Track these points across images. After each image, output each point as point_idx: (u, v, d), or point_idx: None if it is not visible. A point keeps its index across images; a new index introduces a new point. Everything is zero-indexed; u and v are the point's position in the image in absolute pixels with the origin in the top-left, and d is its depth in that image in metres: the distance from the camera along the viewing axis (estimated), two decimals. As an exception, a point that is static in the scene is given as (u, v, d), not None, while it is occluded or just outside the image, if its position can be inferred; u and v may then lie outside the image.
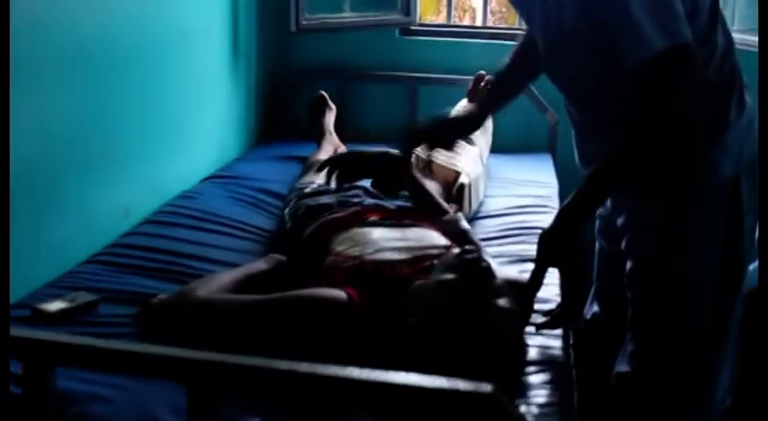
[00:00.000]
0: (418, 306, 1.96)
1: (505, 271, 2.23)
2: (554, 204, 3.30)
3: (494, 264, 2.15)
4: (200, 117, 3.67)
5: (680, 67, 1.78)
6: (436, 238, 2.38)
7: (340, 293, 2.04)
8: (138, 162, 3.12)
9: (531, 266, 2.07)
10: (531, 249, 2.71)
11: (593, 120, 2.11)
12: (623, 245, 2.16)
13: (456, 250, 2.07)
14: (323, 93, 3.98)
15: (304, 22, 3.95)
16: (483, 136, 3.59)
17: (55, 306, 2.30)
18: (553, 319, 2.13)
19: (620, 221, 2.17)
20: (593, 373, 2.43)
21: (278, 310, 2.04)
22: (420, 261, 2.18)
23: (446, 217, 2.56)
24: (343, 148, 3.84)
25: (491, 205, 3.32)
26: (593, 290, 2.55)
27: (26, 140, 2.45)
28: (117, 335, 2.19)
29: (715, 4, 1.96)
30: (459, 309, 1.89)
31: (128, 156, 3.05)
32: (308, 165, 3.44)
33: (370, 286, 2.09)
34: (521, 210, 3.25)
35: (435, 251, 2.24)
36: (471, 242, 2.44)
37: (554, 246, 2.00)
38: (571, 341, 2.48)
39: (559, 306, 2.11)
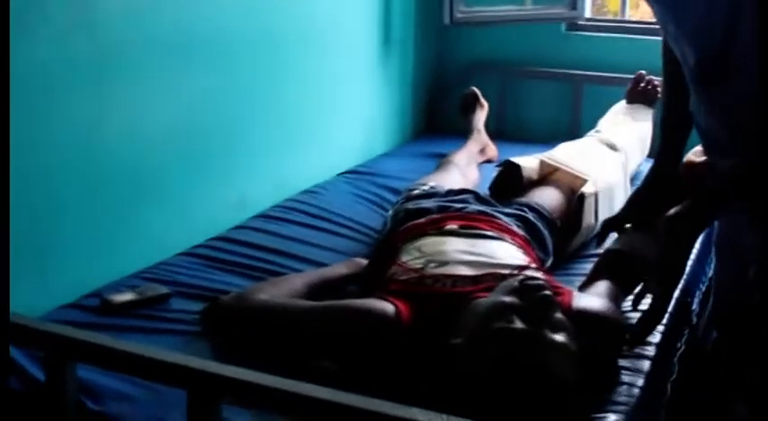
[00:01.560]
0: (465, 326, 1.81)
1: (583, 299, 2.00)
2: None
3: (578, 294, 2.00)
4: (342, 110, 3.59)
5: None
6: (512, 256, 2.19)
7: (388, 307, 1.93)
8: (258, 154, 3.07)
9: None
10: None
11: (738, 140, 1.80)
12: (751, 273, 1.88)
13: (521, 274, 1.89)
14: (474, 89, 3.81)
15: (459, 15, 3.79)
16: (636, 140, 3.32)
17: (123, 297, 2.29)
18: (641, 327, 1.91)
19: (749, 241, 1.88)
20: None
21: (324, 320, 1.98)
22: (486, 279, 2.00)
23: None
24: (492, 147, 3.68)
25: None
26: (708, 309, 2.28)
27: (131, 130, 2.48)
28: (176, 331, 2.16)
29: None
30: (508, 335, 1.71)
31: (248, 149, 3.02)
32: (440, 164, 3.29)
33: (426, 301, 1.96)
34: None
35: (506, 271, 2.06)
36: None
37: (683, 229, 1.78)
38: (673, 375, 2.24)
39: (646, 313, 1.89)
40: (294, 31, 3.19)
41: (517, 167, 2.83)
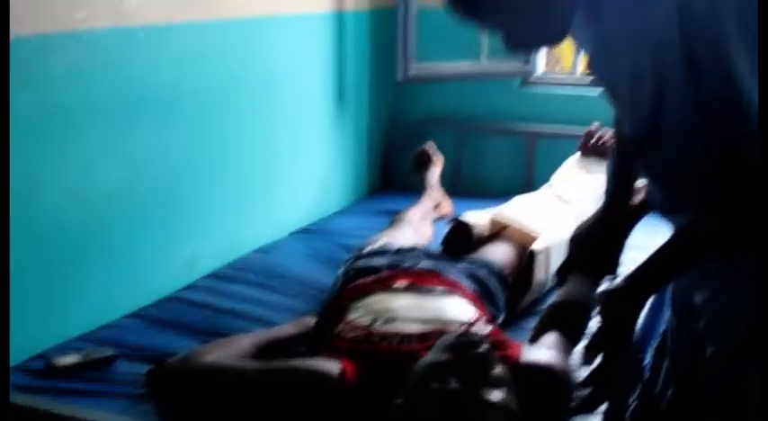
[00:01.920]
0: (406, 386, 1.79)
1: (533, 352, 1.99)
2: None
3: (527, 348, 1.99)
4: (296, 168, 3.57)
5: None
6: (462, 311, 2.18)
7: (333, 367, 1.92)
8: (210, 213, 3.05)
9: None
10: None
11: (682, 201, 1.79)
12: (701, 326, 1.88)
13: (460, 330, 1.87)
14: (428, 145, 3.81)
15: (413, 72, 3.80)
16: (589, 194, 3.32)
17: (68, 360, 2.27)
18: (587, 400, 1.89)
19: (698, 298, 1.88)
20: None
21: (268, 381, 1.96)
22: (433, 336, 1.98)
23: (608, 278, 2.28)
24: (447, 203, 3.67)
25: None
26: (665, 367, 2.26)
27: (77, 189, 2.46)
28: (121, 394, 2.13)
29: None
30: (444, 396, 1.69)
31: (199, 207, 2.98)
32: (393, 221, 3.28)
33: (372, 359, 1.96)
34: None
35: (454, 326, 2.04)
36: None
37: (616, 307, 1.76)
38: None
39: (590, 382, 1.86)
40: (247, 88, 3.18)
41: (468, 227, 2.82)
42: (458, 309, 2.19)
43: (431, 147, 3.80)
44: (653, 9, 1.52)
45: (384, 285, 2.31)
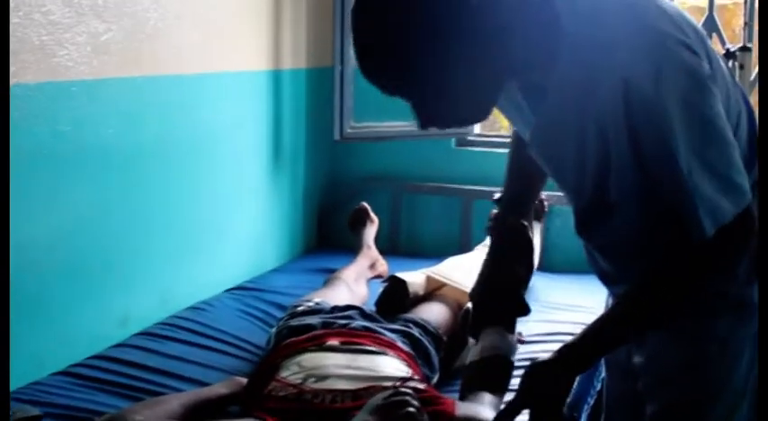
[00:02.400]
0: None
1: (467, 407, 1.97)
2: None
3: (459, 404, 1.96)
4: (231, 225, 3.55)
5: (747, 230, 1.56)
6: (396, 368, 2.17)
7: None
8: (144, 270, 3.01)
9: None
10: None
11: (626, 271, 1.81)
12: (640, 385, 1.88)
13: (389, 390, 1.86)
14: (364, 204, 3.81)
15: (349, 130, 3.82)
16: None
17: (-10, 420, 2.17)
18: None
19: (637, 359, 1.88)
20: None
21: None
22: (366, 393, 1.98)
23: (509, 336, 2.24)
24: (382, 262, 3.66)
25: (521, 330, 3.04)
26: None
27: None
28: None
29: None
30: None
31: (132, 264, 2.95)
32: (328, 280, 3.26)
33: (304, 418, 1.96)
34: (553, 337, 2.96)
35: (387, 383, 2.03)
36: None
37: (545, 384, 1.70)
38: None
39: None
40: (183, 144, 3.17)
41: (403, 283, 2.82)
42: (391, 366, 2.19)
43: (366, 206, 3.81)
44: (599, 88, 1.53)
45: (317, 343, 2.31)
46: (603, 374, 2.27)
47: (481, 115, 1.67)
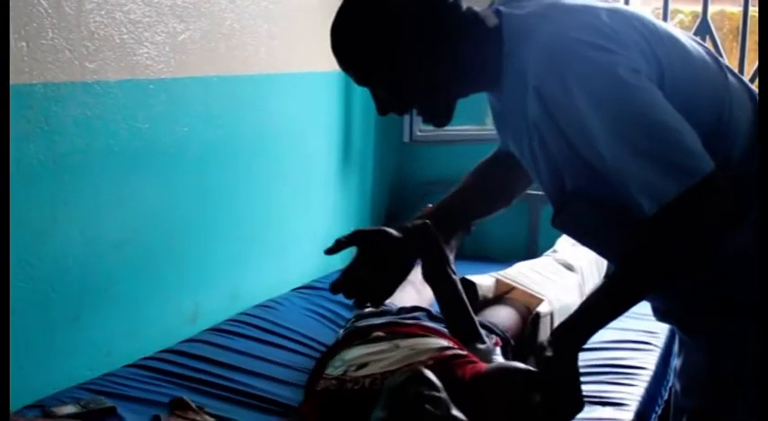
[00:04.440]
0: None
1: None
2: (659, 342, 2.96)
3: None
4: (300, 224, 3.58)
5: (701, 205, 1.57)
6: (433, 343, 2.20)
7: None
8: (213, 267, 3.05)
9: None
10: (613, 391, 2.46)
11: (609, 256, 1.96)
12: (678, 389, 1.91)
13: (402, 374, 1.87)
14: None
15: (418, 133, 3.83)
16: (593, 262, 3.32)
17: (65, 409, 2.23)
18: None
19: (677, 362, 1.92)
20: None
21: None
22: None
23: (479, 346, 2.30)
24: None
25: (588, 337, 3.02)
26: None
27: (83, 237, 2.46)
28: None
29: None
30: None
31: (201, 261, 2.99)
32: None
33: (342, 406, 2.01)
34: (618, 344, 2.93)
35: (424, 357, 2.08)
36: None
37: (548, 367, 1.71)
38: None
39: None
40: (254, 143, 3.21)
41: (472, 285, 2.82)
42: (428, 342, 2.21)
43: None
44: (527, 100, 1.67)
45: (362, 337, 2.32)
46: (671, 384, 2.27)
47: (440, 114, 1.91)
